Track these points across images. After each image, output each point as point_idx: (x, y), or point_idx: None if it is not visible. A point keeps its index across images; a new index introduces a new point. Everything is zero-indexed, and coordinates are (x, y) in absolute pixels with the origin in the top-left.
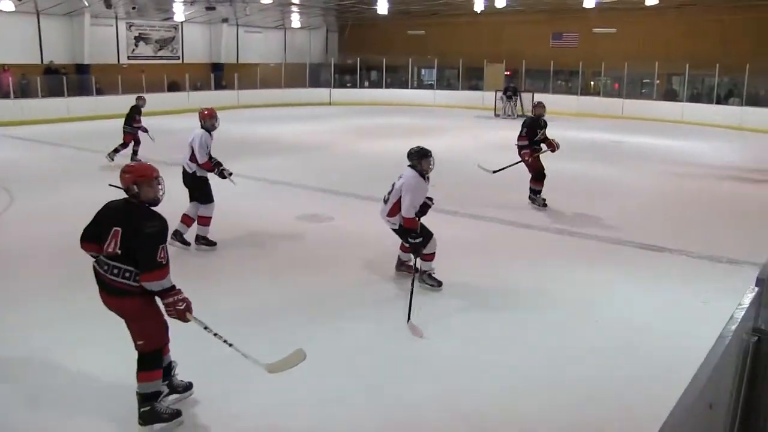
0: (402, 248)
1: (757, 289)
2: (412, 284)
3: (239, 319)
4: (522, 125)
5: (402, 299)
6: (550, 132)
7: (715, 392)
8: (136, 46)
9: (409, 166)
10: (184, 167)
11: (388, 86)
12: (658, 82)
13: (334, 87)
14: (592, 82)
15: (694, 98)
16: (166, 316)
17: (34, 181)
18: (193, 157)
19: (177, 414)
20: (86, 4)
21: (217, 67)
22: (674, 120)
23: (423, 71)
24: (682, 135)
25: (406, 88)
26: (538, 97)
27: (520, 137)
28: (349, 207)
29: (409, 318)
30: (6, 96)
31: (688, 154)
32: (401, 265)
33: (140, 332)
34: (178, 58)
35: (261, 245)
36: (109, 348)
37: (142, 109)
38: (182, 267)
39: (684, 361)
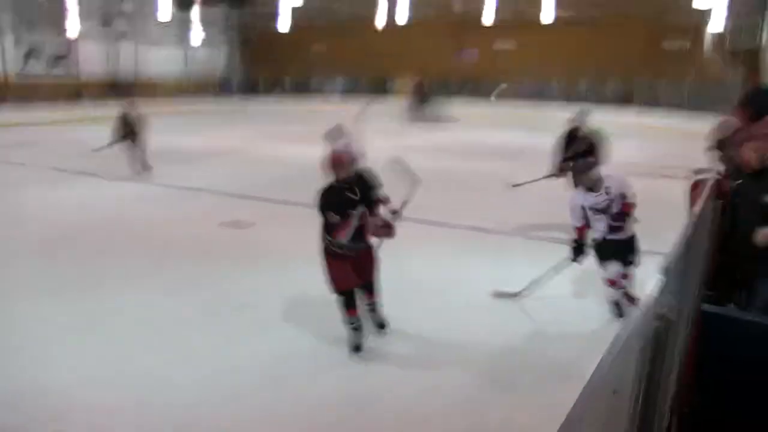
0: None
1: (660, 277)
2: (544, 274)
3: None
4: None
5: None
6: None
7: (619, 378)
8: (26, 62)
9: None
10: None
11: (294, 99)
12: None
13: (238, 104)
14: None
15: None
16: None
17: None
18: None
19: (358, 348)
20: None
21: (116, 85)
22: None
23: (329, 84)
24: None
25: (313, 101)
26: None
27: (561, 150)
28: (268, 212)
29: (519, 292)
30: None
31: None
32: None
33: (328, 278)
34: (74, 76)
35: (186, 253)
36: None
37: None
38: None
39: (593, 350)
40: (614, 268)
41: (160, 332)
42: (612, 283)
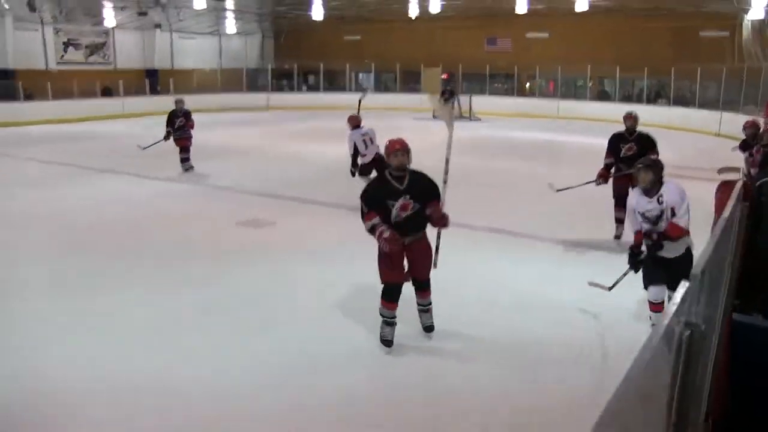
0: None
1: (688, 284)
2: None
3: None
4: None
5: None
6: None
7: (651, 385)
8: (66, 51)
9: None
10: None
11: (325, 90)
12: (591, 84)
13: (272, 92)
14: (527, 84)
15: (626, 99)
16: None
17: None
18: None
19: (388, 343)
20: (6, 6)
21: (151, 73)
22: (607, 119)
23: (360, 75)
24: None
25: (344, 92)
26: (476, 99)
27: (605, 155)
28: (290, 211)
29: (611, 287)
30: None
31: None
32: None
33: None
34: (111, 64)
35: (202, 250)
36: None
37: (188, 110)
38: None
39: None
40: (656, 290)
41: (160, 332)
42: (653, 306)
